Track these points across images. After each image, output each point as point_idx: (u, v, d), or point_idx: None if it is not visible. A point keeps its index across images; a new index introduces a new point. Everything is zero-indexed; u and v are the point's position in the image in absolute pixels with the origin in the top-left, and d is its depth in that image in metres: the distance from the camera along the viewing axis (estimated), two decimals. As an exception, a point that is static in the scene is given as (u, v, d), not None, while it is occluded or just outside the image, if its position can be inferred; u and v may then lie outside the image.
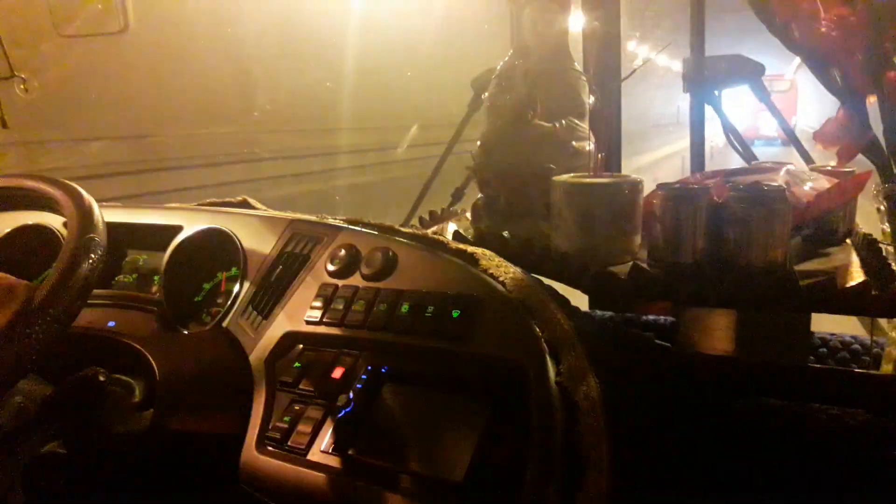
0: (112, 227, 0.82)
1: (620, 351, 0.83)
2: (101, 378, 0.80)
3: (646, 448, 0.72)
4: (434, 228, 1.27)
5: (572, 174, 1.00)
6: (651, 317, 0.98)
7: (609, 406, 0.69)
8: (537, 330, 0.75)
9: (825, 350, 1.13)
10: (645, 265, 0.89)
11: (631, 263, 0.89)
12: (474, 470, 0.69)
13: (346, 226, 1.02)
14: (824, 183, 1.02)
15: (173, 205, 1.19)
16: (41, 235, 1.18)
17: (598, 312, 1.00)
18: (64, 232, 1.14)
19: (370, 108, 7.95)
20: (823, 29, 0.93)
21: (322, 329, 0.90)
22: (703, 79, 1.35)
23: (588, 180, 0.96)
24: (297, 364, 0.88)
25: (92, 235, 0.78)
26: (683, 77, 1.36)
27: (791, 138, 1.36)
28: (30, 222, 1.21)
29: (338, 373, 0.85)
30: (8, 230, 1.21)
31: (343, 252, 0.95)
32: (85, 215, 0.80)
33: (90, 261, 0.76)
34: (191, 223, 1.08)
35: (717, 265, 0.87)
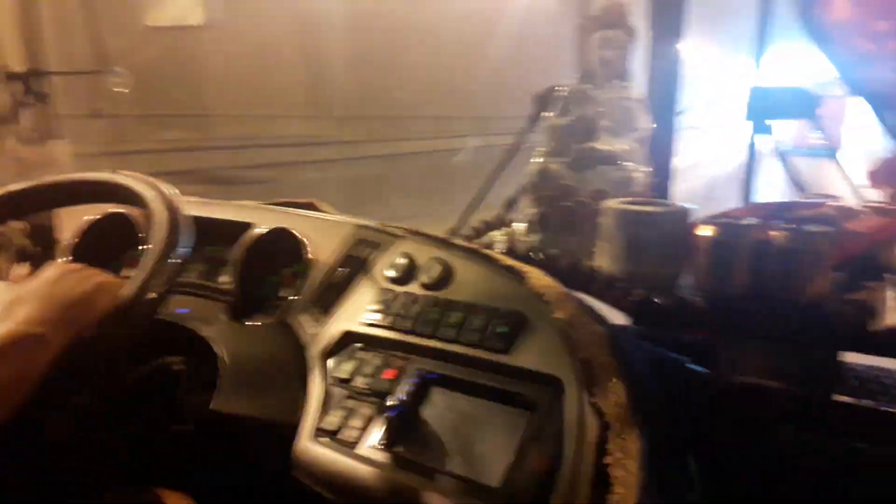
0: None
1: (655, 374, 0.87)
2: (180, 367, 0.88)
3: (677, 471, 0.76)
4: (485, 239, 1.32)
5: (623, 199, 1.04)
6: (690, 338, 1.01)
7: (642, 427, 0.74)
8: (576, 349, 0.79)
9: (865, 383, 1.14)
10: (687, 294, 0.93)
11: (674, 292, 0.93)
12: (510, 476, 0.74)
13: (405, 234, 1.07)
14: (874, 220, 1.03)
15: (244, 202, 1.27)
16: (119, 223, 1.26)
17: (637, 328, 1.04)
18: (140, 220, 1.23)
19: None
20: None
21: (377, 331, 0.96)
22: (766, 110, 1.36)
23: (638, 207, 0.99)
24: (351, 362, 0.94)
25: (177, 236, 0.84)
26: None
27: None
28: (109, 211, 1.29)
29: (389, 374, 0.91)
30: (90, 219, 1.31)
31: (402, 260, 1.01)
32: (172, 217, 0.86)
33: (175, 260, 0.82)
34: (260, 221, 1.16)
35: (759, 300, 0.90)
